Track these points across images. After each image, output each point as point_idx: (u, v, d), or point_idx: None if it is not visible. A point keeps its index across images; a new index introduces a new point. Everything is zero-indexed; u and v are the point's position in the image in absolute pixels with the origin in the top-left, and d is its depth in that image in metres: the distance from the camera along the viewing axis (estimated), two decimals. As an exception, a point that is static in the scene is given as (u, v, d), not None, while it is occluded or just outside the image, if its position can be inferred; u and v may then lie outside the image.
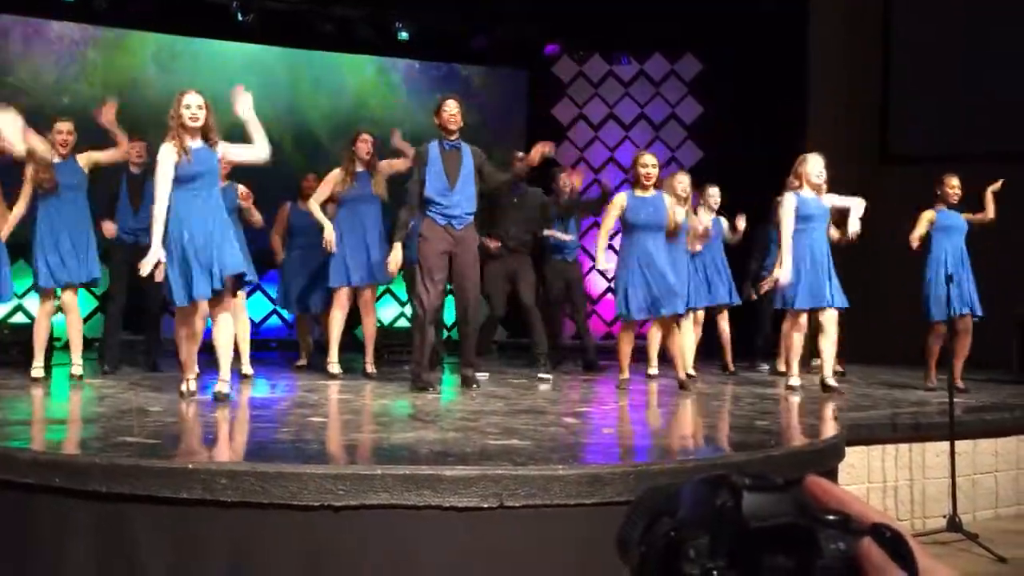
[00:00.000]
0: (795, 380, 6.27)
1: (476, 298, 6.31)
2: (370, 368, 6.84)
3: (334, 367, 6.82)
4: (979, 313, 6.52)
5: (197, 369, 5.49)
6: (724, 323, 7.77)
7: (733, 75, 10.62)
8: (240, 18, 10.23)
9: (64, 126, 6.32)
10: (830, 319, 6.16)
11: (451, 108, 6.07)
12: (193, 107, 5.21)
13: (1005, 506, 5.40)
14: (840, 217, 6.50)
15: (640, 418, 5.45)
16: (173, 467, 3.20)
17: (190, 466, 3.17)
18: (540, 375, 6.89)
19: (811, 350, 6.79)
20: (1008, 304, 7.22)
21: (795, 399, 5.93)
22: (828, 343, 6.19)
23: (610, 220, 6.25)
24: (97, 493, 3.15)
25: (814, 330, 6.32)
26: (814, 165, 6.24)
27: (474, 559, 3.15)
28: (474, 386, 6.13)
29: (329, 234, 6.71)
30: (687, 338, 6.94)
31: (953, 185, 6.62)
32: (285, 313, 9.59)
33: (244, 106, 5.31)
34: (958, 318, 6.28)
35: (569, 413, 5.17)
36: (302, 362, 7.62)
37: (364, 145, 6.85)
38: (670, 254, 6.28)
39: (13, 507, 3.32)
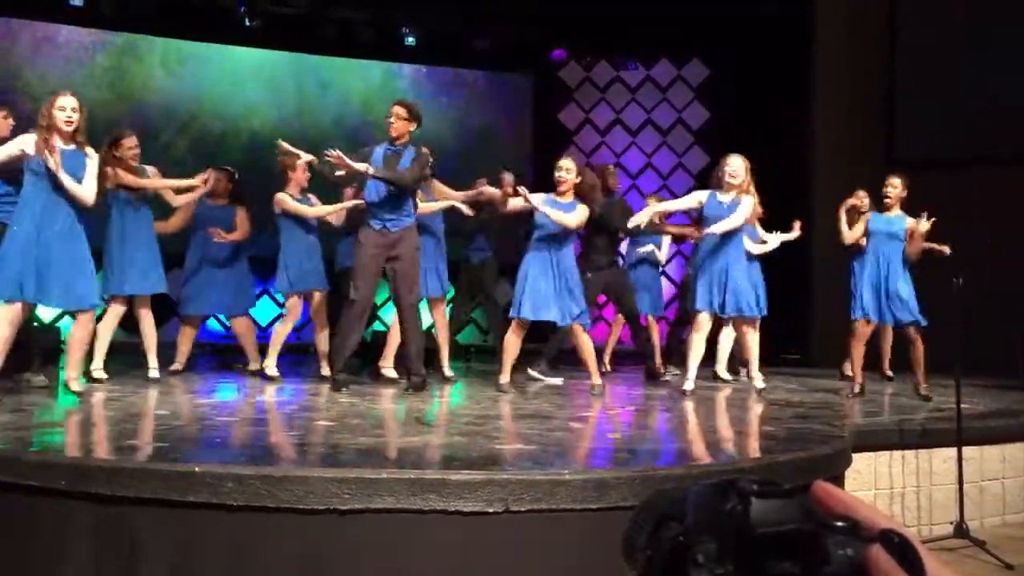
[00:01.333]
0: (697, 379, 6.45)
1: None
2: (386, 372, 6.89)
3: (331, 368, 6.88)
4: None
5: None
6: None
7: (739, 80, 10.62)
8: (247, 23, 10.27)
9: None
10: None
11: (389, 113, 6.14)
12: (68, 109, 5.23)
13: (1012, 512, 5.38)
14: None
15: (645, 423, 5.44)
16: (179, 470, 3.20)
17: (196, 469, 3.17)
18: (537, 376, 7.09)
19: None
20: (1015, 311, 7.20)
21: (759, 399, 5.92)
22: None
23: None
24: (101, 496, 3.15)
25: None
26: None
27: (479, 564, 3.15)
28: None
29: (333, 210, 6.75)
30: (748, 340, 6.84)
31: (895, 184, 6.45)
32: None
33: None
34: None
35: (575, 418, 5.16)
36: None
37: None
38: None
39: (18, 509, 3.33)
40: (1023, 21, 8.98)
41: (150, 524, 3.15)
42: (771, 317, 6.65)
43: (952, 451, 4.85)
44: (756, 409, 5.70)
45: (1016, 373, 7.43)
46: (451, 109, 11.40)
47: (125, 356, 7.07)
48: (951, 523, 4.73)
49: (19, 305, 5.14)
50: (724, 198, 6.14)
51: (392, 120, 6.07)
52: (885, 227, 6.37)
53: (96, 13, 9.80)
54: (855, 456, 4.57)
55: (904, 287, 6.23)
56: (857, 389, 6.37)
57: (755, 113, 10.18)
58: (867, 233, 6.44)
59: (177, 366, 6.99)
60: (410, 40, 11.04)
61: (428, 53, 11.20)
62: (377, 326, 9.51)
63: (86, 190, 5.24)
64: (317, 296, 6.87)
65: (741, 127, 10.36)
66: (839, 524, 0.52)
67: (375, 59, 11.20)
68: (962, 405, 4.90)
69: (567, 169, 6.20)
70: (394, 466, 3.38)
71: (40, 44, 9.98)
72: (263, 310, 10.67)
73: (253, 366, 7.06)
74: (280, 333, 6.78)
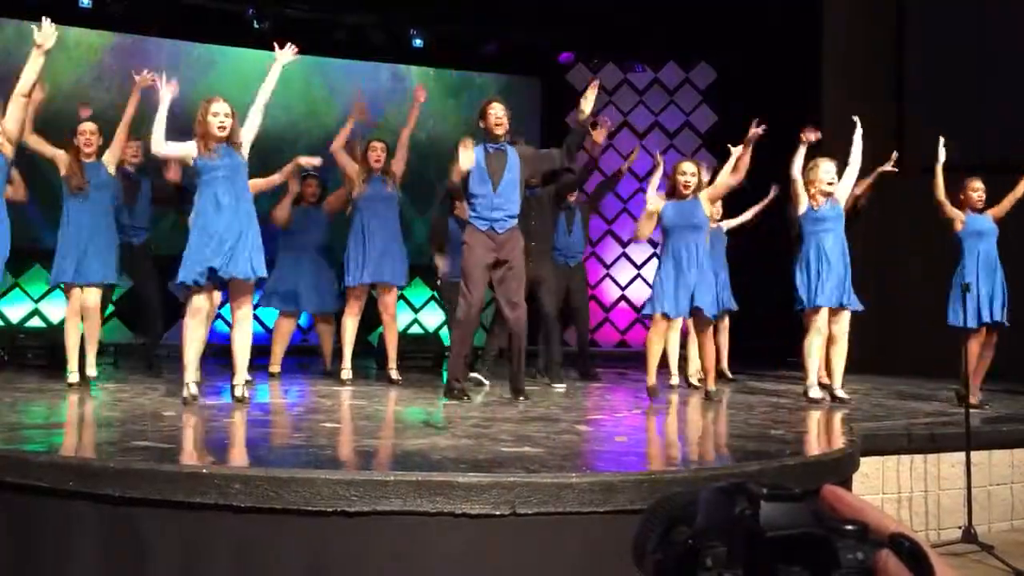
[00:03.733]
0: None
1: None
2: (394, 374, 6.87)
3: (346, 373, 6.85)
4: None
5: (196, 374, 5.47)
6: (723, 330, 7.77)
7: (747, 83, 10.61)
8: (256, 25, 10.29)
9: (88, 127, 6.39)
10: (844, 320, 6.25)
11: (498, 111, 5.99)
12: (221, 115, 5.44)
13: (1021, 518, 5.36)
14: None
15: (653, 426, 5.44)
16: (186, 471, 3.20)
17: (204, 470, 3.18)
18: (554, 386, 6.93)
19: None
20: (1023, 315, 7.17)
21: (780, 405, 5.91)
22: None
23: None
24: (110, 496, 3.16)
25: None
26: (826, 171, 6.25)
27: (486, 566, 3.15)
28: (521, 398, 5.94)
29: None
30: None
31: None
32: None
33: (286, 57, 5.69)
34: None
35: (582, 421, 5.16)
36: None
37: (374, 154, 7.00)
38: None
39: (25, 509, 3.34)
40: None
41: (157, 525, 3.15)
42: (779, 320, 6.65)
43: (961, 455, 4.83)
44: (764, 412, 5.68)
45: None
46: (459, 112, 11.40)
47: (131, 357, 7.10)
48: (959, 528, 4.71)
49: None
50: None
51: (503, 119, 5.95)
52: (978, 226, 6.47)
53: (105, 15, 9.83)
54: (863, 460, 4.56)
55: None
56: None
57: (762, 116, 10.15)
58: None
59: (275, 367, 7.18)
60: (418, 43, 11.05)
61: (436, 56, 11.21)
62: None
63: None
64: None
65: (748, 130, 10.33)
66: (848, 528, 0.52)
67: (383, 61, 11.22)
68: (971, 409, 4.89)
69: (692, 173, 6.21)
70: (401, 468, 3.38)
71: (50, 46, 10.01)
72: (268, 310, 10.68)
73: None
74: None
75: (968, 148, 8.80)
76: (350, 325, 6.90)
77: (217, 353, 7.15)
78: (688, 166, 6.30)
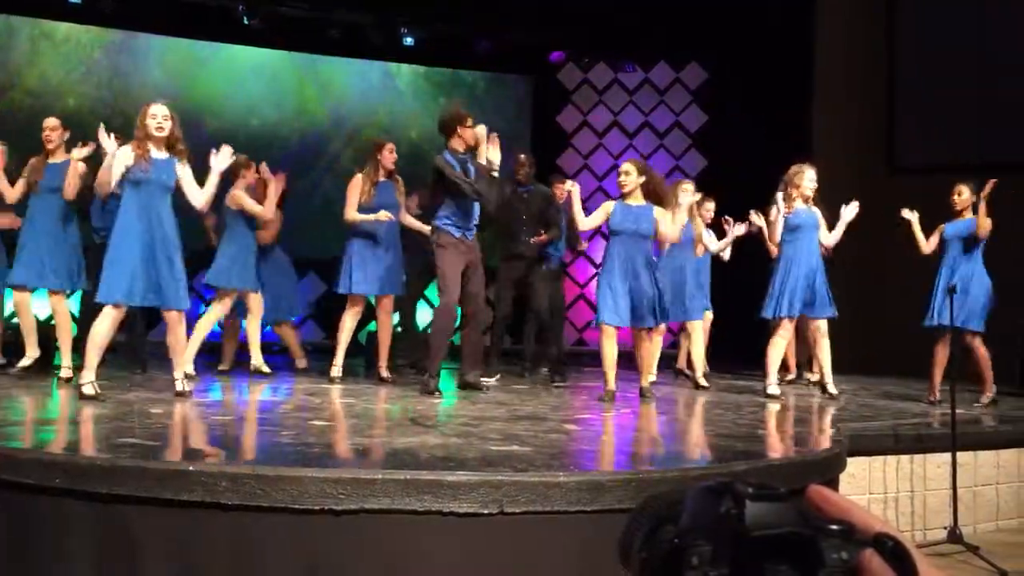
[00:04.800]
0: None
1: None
2: (384, 373, 6.86)
3: (336, 370, 6.82)
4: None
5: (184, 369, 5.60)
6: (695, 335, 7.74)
7: (738, 84, 10.63)
8: (247, 22, 10.25)
9: (48, 123, 6.38)
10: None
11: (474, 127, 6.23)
12: (159, 117, 5.36)
13: (1006, 518, 5.39)
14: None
15: (641, 426, 5.45)
16: (174, 469, 3.20)
17: (191, 468, 3.17)
18: (557, 384, 7.07)
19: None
20: (1010, 316, 7.20)
21: (780, 406, 5.93)
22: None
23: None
24: (98, 494, 3.15)
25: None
26: (810, 179, 6.30)
27: (474, 565, 3.15)
28: (483, 391, 6.16)
29: None
30: (654, 347, 6.97)
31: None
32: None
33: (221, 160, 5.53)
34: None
35: (570, 420, 5.17)
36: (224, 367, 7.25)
37: (392, 155, 6.84)
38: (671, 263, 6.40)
39: (14, 507, 3.33)
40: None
41: (147, 522, 3.15)
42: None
43: (946, 456, 4.85)
44: (752, 412, 5.70)
45: (1012, 379, 7.45)
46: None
47: (118, 355, 7.07)
48: (945, 528, 4.73)
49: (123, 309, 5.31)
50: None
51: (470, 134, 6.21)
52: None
53: (95, 11, 9.78)
54: (850, 460, 4.58)
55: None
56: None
57: (753, 117, 10.19)
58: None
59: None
60: (409, 41, 11.03)
61: (427, 54, 11.20)
62: (372, 327, 9.49)
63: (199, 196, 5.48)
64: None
65: (739, 131, 10.38)
66: (834, 528, 0.52)
67: (374, 59, 11.20)
68: (957, 410, 4.91)
69: (625, 172, 6.10)
70: (389, 467, 3.38)
71: (39, 41, 9.97)
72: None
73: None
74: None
75: (965, 148, 8.85)
76: (349, 323, 6.86)
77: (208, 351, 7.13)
78: (627, 165, 6.19)
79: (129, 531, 3.15)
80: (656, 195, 6.07)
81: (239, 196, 6.82)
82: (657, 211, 6.04)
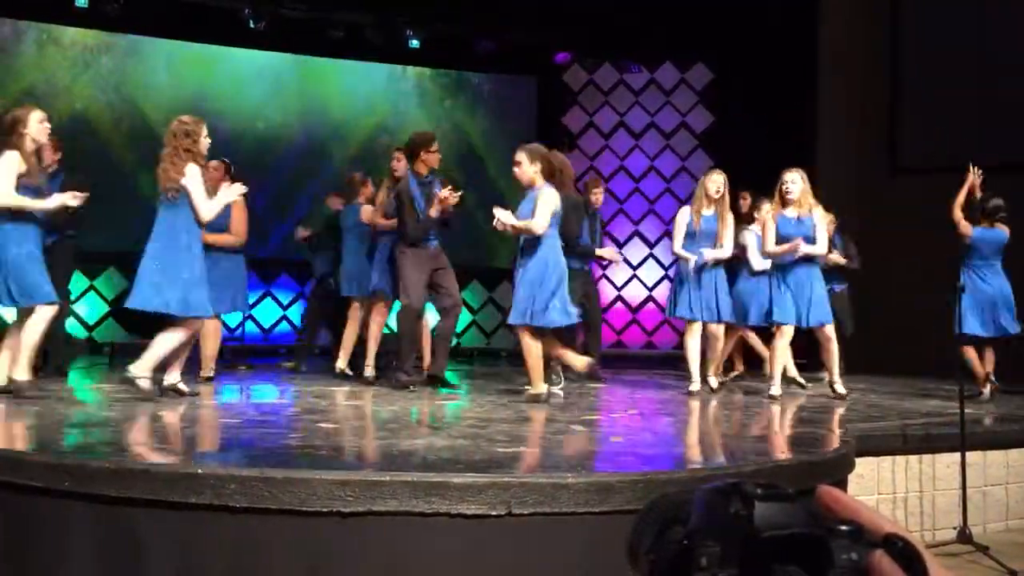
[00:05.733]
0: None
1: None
2: (369, 371, 6.92)
3: (369, 371, 6.97)
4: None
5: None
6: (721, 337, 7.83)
7: (743, 84, 10.62)
8: (252, 25, 10.28)
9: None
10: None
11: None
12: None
13: (1016, 518, 5.37)
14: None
15: (649, 427, 5.44)
16: (182, 471, 3.20)
17: (199, 471, 3.17)
18: (593, 383, 7.19)
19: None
20: (1017, 316, 7.18)
21: (788, 405, 5.91)
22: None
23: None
24: (105, 497, 3.16)
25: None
26: (792, 180, 6.34)
27: (482, 567, 3.15)
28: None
29: None
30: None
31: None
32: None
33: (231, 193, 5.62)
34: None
35: (578, 421, 5.16)
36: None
37: (399, 164, 6.93)
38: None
39: (21, 509, 3.33)
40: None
41: (153, 525, 3.15)
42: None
43: (955, 456, 4.84)
44: (760, 413, 5.69)
45: (1020, 378, 7.41)
46: (455, 112, 11.41)
47: (126, 357, 7.08)
48: (954, 528, 4.72)
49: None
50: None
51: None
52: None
53: (101, 15, 9.81)
54: (858, 460, 4.56)
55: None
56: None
57: (758, 117, 10.18)
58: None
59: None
60: (414, 43, 11.04)
61: (432, 56, 11.21)
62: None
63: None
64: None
65: (744, 131, 10.37)
66: (843, 528, 0.52)
67: (379, 61, 11.22)
68: (966, 410, 4.89)
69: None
70: (397, 469, 3.38)
71: (45, 45, 10.00)
72: (266, 311, 10.69)
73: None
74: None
75: (966, 148, 8.83)
76: (375, 325, 6.98)
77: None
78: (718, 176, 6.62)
79: (136, 534, 3.15)
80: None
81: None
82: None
